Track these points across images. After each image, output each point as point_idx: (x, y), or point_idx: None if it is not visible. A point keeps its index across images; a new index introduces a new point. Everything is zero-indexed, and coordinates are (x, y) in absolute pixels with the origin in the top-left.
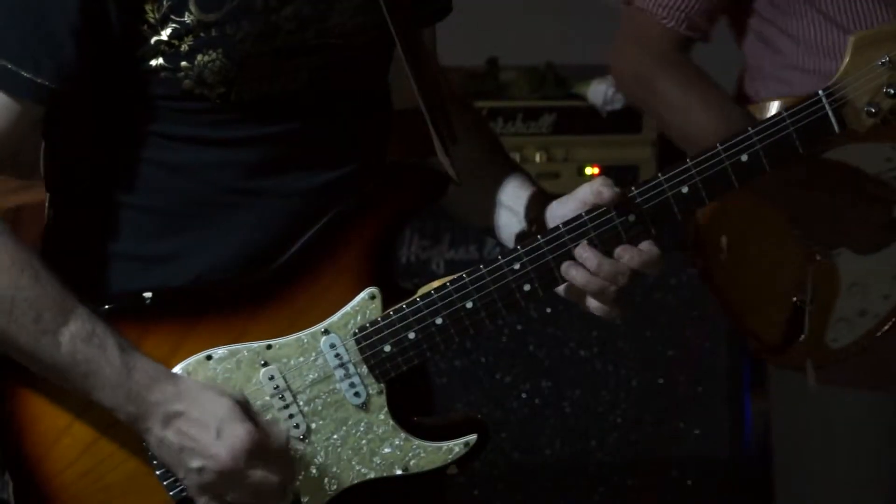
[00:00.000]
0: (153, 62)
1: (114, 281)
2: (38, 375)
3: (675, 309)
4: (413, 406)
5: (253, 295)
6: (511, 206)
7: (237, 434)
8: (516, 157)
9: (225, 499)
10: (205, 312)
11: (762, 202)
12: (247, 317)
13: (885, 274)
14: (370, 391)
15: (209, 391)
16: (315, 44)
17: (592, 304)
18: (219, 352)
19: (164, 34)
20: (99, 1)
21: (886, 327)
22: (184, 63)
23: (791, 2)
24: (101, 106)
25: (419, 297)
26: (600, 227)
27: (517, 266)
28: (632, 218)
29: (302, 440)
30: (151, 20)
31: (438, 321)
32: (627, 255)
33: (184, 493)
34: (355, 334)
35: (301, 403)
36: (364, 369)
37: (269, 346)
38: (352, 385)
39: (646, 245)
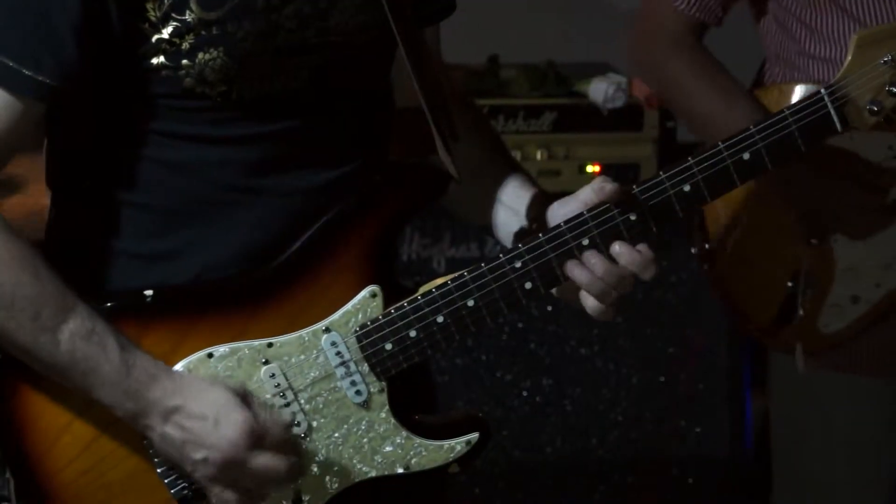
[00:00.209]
0: (154, 60)
1: (115, 279)
2: (39, 373)
3: (676, 307)
4: (415, 404)
5: (254, 293)
6: (512, 205)
7: (235, 421)
8: (517, 154)
9: (238, 487)
10: (206, 310)
11: (762, 185)
12: (248, 315)
13: (878, 262)
14: (371, 389)
15: (205, 383)
16: (316, 42)
17: (589, 302)
18: (220, 350)
19: (165, 32)
20: None
21: (878, 313)
22: (185, 61)
23: None
24: (102, 104)
25: (420, 295)
26: (602, 225)
27: (519, 264)
28: (633, 216)
29: (303, 438)
30: (152, 18)
31: (440, 319)
32: (626, 255)
33: (185, 492)
34: (356, 332)
35: (302, 401)
36: (365, 367)
37: (270, 345)
38: (353, 383)
39: (642, 247)
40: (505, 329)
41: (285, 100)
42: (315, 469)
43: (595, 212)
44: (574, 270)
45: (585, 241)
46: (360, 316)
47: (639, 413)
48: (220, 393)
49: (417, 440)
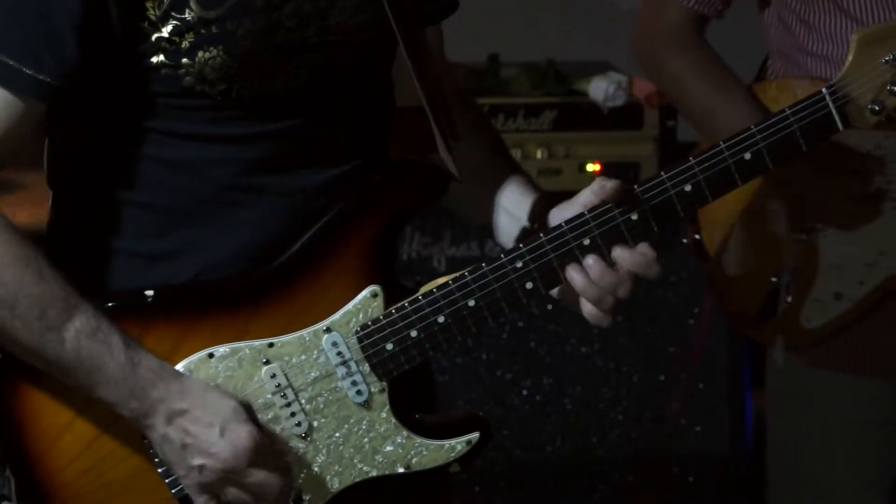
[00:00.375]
0: (154, 59)
1: (115, 278)
2: (41, 372)
3: (676, 306)
4: (415, 404)
5: (254, 293)
6: (513, 211)
7: (240, 434)
8: (517, 153)
9: (223, 499)
10: (206, 310)
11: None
12: (248, 315)
13: (862, 260)
14: (372, 389)
15: (214, 391)
16: (316, 41)
17: (587, 308)
18: (220, 350)
19: (165, 31)
20: None
21: (861, 311)
22: (185, 60)
23: None
24: (102, 103)
25: (421, 295)
26: (603, 226)
27: (520, 264)
28: (634, 216)
29: (304, 438)
30: (152, 17)
31: (441, 319)
32: (627, 259)
33: (185, 491)
34: (357, 332)
35: (303, 401)
36: (366, 367)
37: (270, 345)
38: (354, 383)
39: (642, 247)
40: (505, 328)
41: (285, 99)
42: (316, 469)
43: (596, 212)
44: (571, 274)
45: (586, 241)
46: (361, 316)
47: (639, 412)
48: (228, 402)
49: (418, 440)
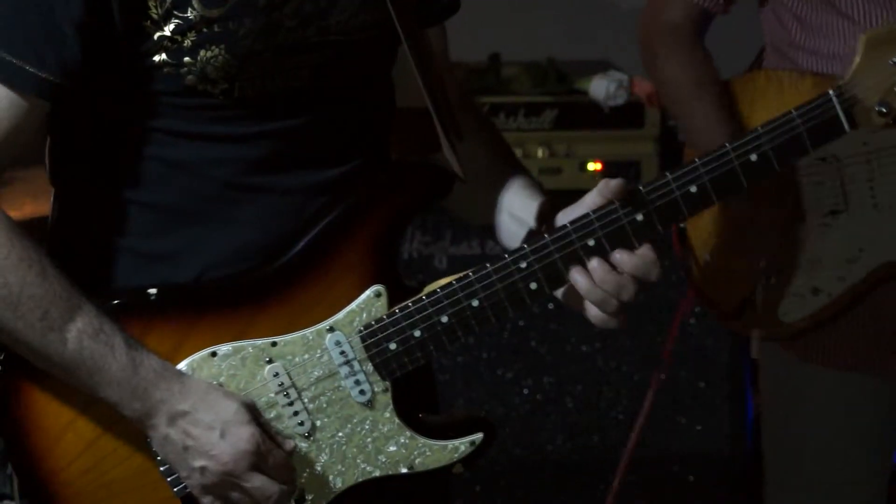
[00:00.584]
0: (156, 58)
1: (118, 276)
2: (43, 371)
3: (677, 306)
4: (418, 404)
5: (258, 292)
6: (519, 214)
7: (241, 436)
8: (518, 152)
9: (228, 500)
10: (209, 309)
11: None
12: (251, 313)
13: (842, 255)
14: (375, 389)
15: (216, 391)
16: (316, 41)
17: (592, 311)
18: (223, 348)
19: (167, 30)
20: None
21: (840, 307)
22: (186, 59)
23: None
24: (104, 101)
25: (425, 295)
26: (608, 227)
27: (524, 265)
28: (640, 217)
29: (307, 437)
30: (154, 16)
31: (444, 319)
32: (628, 262)
33: (187, 490)
34: (360, 332)
35: (306, 401)
36: (369, 367)
37: (273, 343)
38: (357, 382)
39: (643, 250)
40: (506, 327)
41: (287, 98)
42: (318, 468)
43: (601, 213)
44: (575, 277)
45: (591, 242)
46: (364, 315)
47: (639, 411)
48: (230, 404)
49: (421, 440)
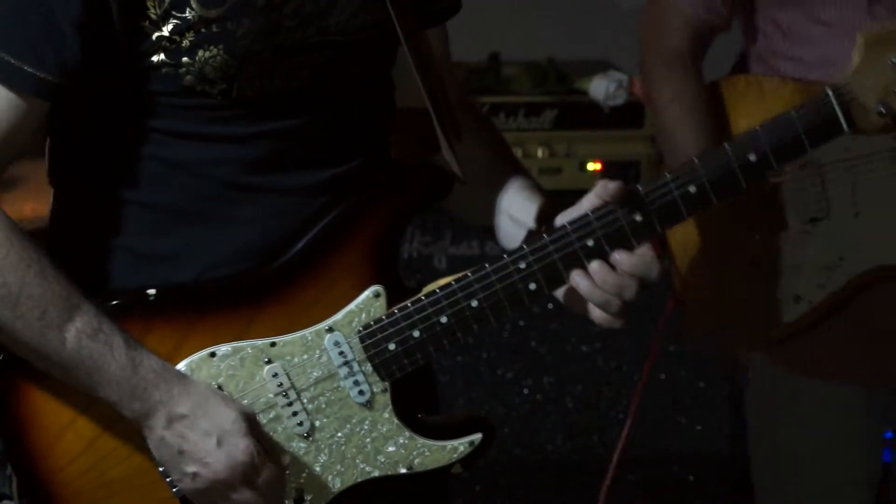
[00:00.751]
0: (154, 58)
1: (117, 277)
2: (42, 371)
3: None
4: (418, 404)
5: (257, 292)
6: (518, 215)
7: (238, 447)
8: (518, 152)
9: None
10: (209, 309)
11: None
12: (251, 314)
13: (821, 263)
14: (374, 389)
15: (216, 397)
16: (316, 41)
17: (595, 312)
18: (222, 349)
19: (166, 30)
20: None
21: (820, 315)
22: (185, 59)
23: None
24: (103, 102)
25: (424, 295)
26: (607, 227)
27: (523, 265)
28: (639, 218)
29: (306, 438)
30: (153, 16)
31: (443, 320)
32: (627, 262)
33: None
34: (359, 332)
35: (305, 401)
36: (368, 367)
37: (273, 344)
38: (356, 383)
39: (642, 250)
40: (506, 327)
41: (286, 98)
42: (317, 468)
43: (600, 213)
44: (575, 279)
45: (590, 243)
46: (363, 316)
47: (640, 411)
48: (229, 413)
49: (420, 440)
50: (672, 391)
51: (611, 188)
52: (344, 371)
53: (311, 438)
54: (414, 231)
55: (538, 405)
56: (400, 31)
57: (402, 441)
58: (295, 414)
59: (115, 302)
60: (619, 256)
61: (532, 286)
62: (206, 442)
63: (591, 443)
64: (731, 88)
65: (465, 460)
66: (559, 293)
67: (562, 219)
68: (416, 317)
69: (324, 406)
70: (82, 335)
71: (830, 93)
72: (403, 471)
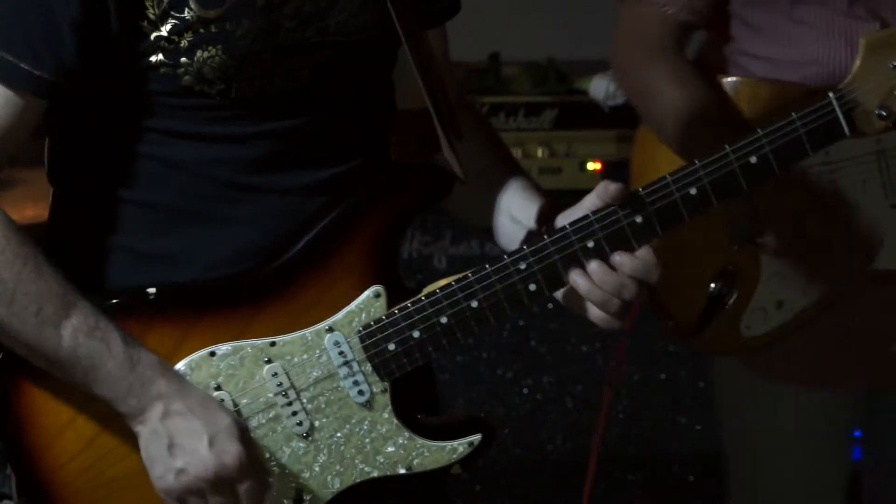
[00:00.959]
0: (153, 58)
1: (116, 276)
2: (41, 370)
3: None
4: (417, 405)
5: (257, 291)
6: (518, 216)
7: (228, 451)
8: (518, 152)
9: None
10: (208, 308)
11: None
12: (251, 313)
13: (806, 269)
14: (374, 389)
15: (213, 402)
16: (316, 42)
17: (594, 312)
18: (222, 348)
19: (164, 30)
20: None
21: (801, 322)
22: (183, 59)
23: None
24: (102, 102)
25: (424, 295)
26: (607, 228)
27: (523, 266)
28: (639, 219)
29: (305, 438)
30: (151, 16)
31: (443, 320)
32: (627, 264)
33: None
34: (359, 332)
35: (304, 401)
36: (368, 367)
37: (272, 343)
38: (355, 383)
39: (642, 252)
40: (506, 327)
41: (285, 99)
42: (316, 468)
43: (600, 214)
44: (575, 279)
45: (590, 244)
46: (363, 316)
47: (640, 410)
48: (225, 417)
49: (420, 441)
50: (672, 391)
51: (611, 189)
52: (344, 371)
53: (310, 438)
54: (414, 231)
55: (538, 405)
56: (400, 32)
57: (401, 441)
58: (294, 414)
59: (114, 301)
60: (619, 258)
61: (532, 287)
62: (198, 440)
63: (591, 443)
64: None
65: (465, 461)
66: (559, 293)
67: (562, 219)
68: (416, 317)
69: (323, 406)
70: (79, 332)
71: (832, 96)
72: (402, 471)
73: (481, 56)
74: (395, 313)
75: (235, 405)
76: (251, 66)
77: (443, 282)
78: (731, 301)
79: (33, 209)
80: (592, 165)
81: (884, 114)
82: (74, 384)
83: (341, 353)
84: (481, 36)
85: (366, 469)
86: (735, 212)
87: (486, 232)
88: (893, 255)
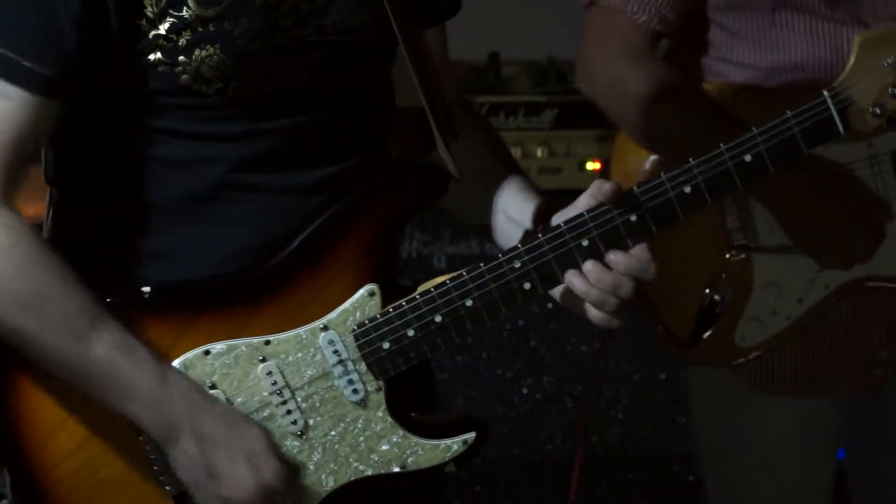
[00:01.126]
0: (151, 57)
1: (112, 275)
2: (36, 369)
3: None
4: (412, 403)
5: (252, 290)
6: (515, 216)
7: (266, 467)
8: (518, 151)
9: None
10: (203, 307)
11: None
12: (245, 312)
13: (802, 277)
14: (368, 388)
15: (238, 416)
16: (313, 40)
17: (592, 312)
18: (217, 347)
19: (163, 28)
20: None
21: (797, 330)
22: (181, 58)
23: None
24: (100, 100)
25: (419, 294)
26: (602, 227)
27: (518, 264)
28: (633, 218)
29: (299, 436)
30: (150, 14)
31: (438, 319)
32: (622, 262)
33: (179, 489)
34: (354, 331)
35: (299, 399)
36: (363, 366)
37: (267, 342)
38: (350, 382)
39: (637, 250)
40: (506, 326)
41: (283, 98)
42: (311, 467)
43: (595, 213)
44: (570, 279)
45: (585, 242)
46: (357, 314)
47: (640, 410)
48: (259, 435)
49: (414, 439)
50: (672, 391)
51: (606, 188)
52: (338, 370)
53: (304, 437)
54: (413, 231)
55: (538, 405)
56: (397, 31)
57: (395, 440)
58: (289, 412)
59: (109, 300)
60: (614, 257)
61: (527, 285)
62: (236, 462)
63: (591, 442)
64: None
65: (459, 459)
66: (556, 293)
67: (557, 218)
68: (411, 315)
69: (318, 405)
70: (110, 347)
71: (827, 94)
72: (397, 469)
73: (481, 55)
74: (389, 312)
75: (230, 404)
76: (249, 65)
77: (437, 280)
78: (725, 310)
79: (33, 208)
80: (592, 165)
81: (878, 111)
82: (101, 400)
83: (336, 351)
84: (481, 35)
85: (360, 467)
86: (731, 219)
87: (485, 229)
88: (881, 262)
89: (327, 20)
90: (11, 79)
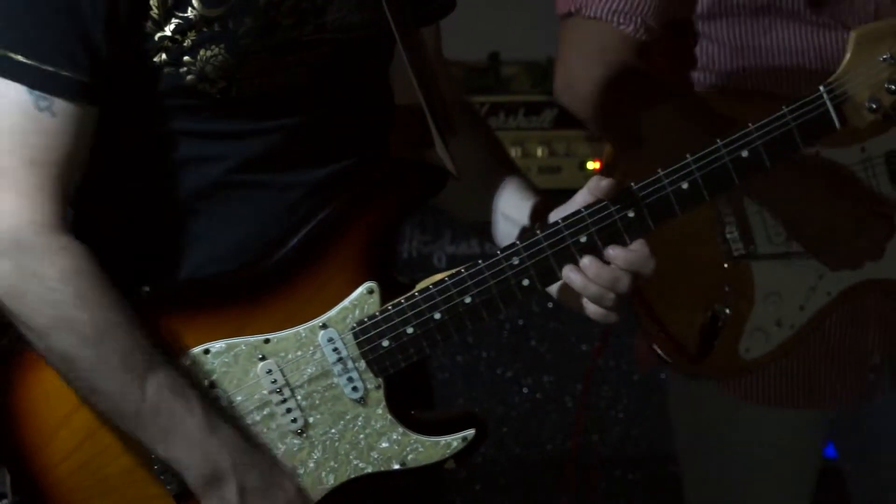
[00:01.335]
0: (156, 58)
1: (112, 273)
2: (37, 368)
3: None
4: (412, 401)
5: (251, 289)
6: (512, 214)
7: None
8: (518, 151)
9: None
10: (203, 306)
11: None
12: (245, 311)
13: (802, 284)
14: (368, 386)
15: (276, 465)
16: (313, 39)
17: (590, 307)
18: (216, 346)
19: (168, 29)
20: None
21: (801, 338)
22: (186, 58)
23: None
24: (106, 101)
25: (418, 291)
26: (599, 223)
27: (516, 261)
28: (631, 214)
29: (299, 434)
30: (155, 16)
31: (437, 316)
32: (621, 258)
33: (180, 488)
34: (353, 329)
35: (299, 397)
36: (362, 364)
37: (267, 341)
38: (350, 379)
39: (636, 245)
40: (506, 326)
41: (284, 96)
42: (311, 464)
43: (592, 209)
44: (569, 275)
45: (583, 238)
46: (357, 312)
47: (640, 410)
48: (293, 483)
49: (414, 436)
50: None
51: (603, 185)
52: (338, 368)
53: (304, 435)
54: (413, 230)
55: (538, 404)
56: (394, 29)
57: (395, 437)
58: (289, 411)
59: None
60: (613, 252)
61: (525, 282)
62: None
63: (591, 442)
64: None
65: (459, 456)
66: (554, 290)
67: (555, 215)
68: (410, 313)
69: (317, 402)
70: (164, 388)
71: (823, 89)
72: (396, 467)
73: (481, 55)
74: (388, 309)
75: (230, 402)
76: (251, 65)
77: (436, 277)
78: (728, 322)
79: None
80: (592, 165)
81: (874, 106)
82: (146, 441)
83: (335, 349)
84: (481, 35)
85: (360, 465)
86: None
87: (484, 228)
88: (885, 266)
89: (327, 18)
90: (55, 91)
